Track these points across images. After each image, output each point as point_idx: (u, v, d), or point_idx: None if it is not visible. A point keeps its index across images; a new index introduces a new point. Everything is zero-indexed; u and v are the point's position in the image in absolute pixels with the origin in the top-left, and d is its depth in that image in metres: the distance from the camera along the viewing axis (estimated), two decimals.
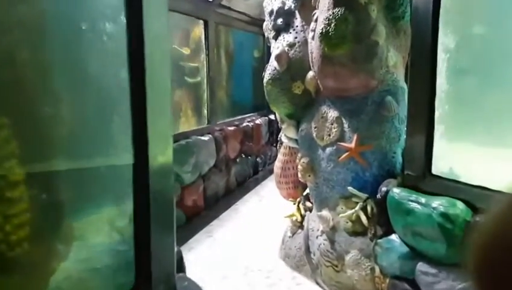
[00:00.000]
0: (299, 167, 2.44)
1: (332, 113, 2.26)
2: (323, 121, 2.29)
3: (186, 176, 3.46)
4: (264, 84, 2.55)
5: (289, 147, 2.73)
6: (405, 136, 2.05)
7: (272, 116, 5.89)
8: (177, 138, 3.48)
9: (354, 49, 2.04)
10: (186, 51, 3.99)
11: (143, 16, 0.89)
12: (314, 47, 2.22)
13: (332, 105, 2.28)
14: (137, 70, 0.90)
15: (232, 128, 4.58)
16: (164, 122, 0.97)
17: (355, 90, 2.19)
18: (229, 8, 4.52)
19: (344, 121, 2.23)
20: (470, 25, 1.91)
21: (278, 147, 2.92)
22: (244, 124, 4.97)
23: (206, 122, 4.21)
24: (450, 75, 1.83)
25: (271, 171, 5.47)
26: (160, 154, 0.97)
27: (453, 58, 1.82)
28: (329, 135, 2.26)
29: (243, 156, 4.88)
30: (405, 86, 2.22)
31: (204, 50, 4.17)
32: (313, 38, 2.27)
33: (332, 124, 2.25)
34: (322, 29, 2.06)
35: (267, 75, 2.53)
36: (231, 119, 4.80)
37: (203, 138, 3.83)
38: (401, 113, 2.15)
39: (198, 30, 4.13)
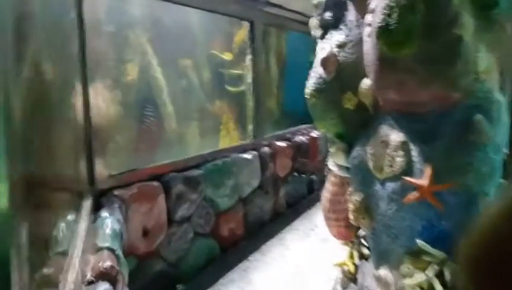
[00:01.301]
0: (350, 205, 1.89)
1: (395, 136, 1.69)
2: (383, 146, 1.72)
3: (221, 200, 3.03)
4: (307, 96, 2.04)
5: (340, 176, 2.19)
6: (504, 172, 1.44)
7: None
8: (212, 157, 3.07)
9: (425, 48, 1.47)
10: (227, 56, 3.59)
11: None
12: (370, 47, 1.67)
13: (395, 125, 1.71)
14: None
15: (282, 143, 4.09)
16: None
17: (428, 106, 1.60)
18: (280, 7, 4.04)
19: (412, 147, 1.64)
20: None
21: (325, 173, 2.38)
22: (298, 138, 4.45)
23: (251, 136, 3.77)
24: None
25: None
26: None
27: None
28: (392, 166, 1.69)
29: (296, 174, 4.36)
30: (503, 100, 1.59)
31: (250, 55, 3.73)
32: (369, 35, 1.73)
33: (395, 151, 1.67)
34: (381, 21, 1.51)
35: (310, 85, 2.01)
36: (282, 132, 4.31)
37: (245, 155, 3.38)
38: (498, 138, 1.53)
39: (243, 33, 3.71)
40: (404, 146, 1.67)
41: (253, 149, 3.65)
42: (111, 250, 1.63)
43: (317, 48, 2.12)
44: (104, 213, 1.80)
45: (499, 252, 0.28)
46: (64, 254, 1.27)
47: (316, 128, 5.04)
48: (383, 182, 1.73)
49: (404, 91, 1.59)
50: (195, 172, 2.78)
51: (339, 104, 1.93)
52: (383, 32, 1.52)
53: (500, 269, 0.28)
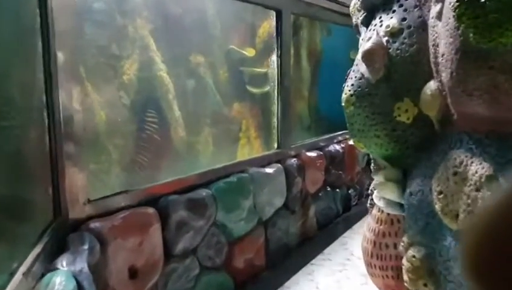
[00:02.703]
0: (405, 262, 1.34)
1: (478, 168, 1.12)
2: (458, 182, 1.16)
3: (236, 226, 2.53)
4: (343, 103, 1.50)
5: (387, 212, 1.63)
6: None
7: None
8: (226, 172, 2.58)
9: None
10: (249, 52, 3.09)
11: None
12: (442, 34, 1.12)
13: (478, 150, 1.14)
14: None
15: (313, 153, 3.54)
16: None
17: None
18: None
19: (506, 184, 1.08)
20: None
21: (368, 206, 1.84)
22: (332, 147, 3.89)
23: (276, 145, 3.25)
24: None
25: (367, 210, 4.29)
26: None
27: None
28: (472, 212, 1.13)
29: (329, 188, 3.80)
30: None
31: (276, 50, 3.21)
32: (438, 17, 1.18)
33: (477, 190, 1.11)
34: None
35: (348, 88, 1.48)
36: (314, 140, 3.76)
37: (267, 170, 2.87)
38: None
39: (269, 24, 3.19)
40: (491, 183, 1.10)
41: (278, 161, 3.13)
42: None
43: (360, 39, 1.58)
44: (60, 263, 1.33)
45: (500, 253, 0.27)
46: None
47: None
48: (457, 235, 1.17)
49: (498, 101, 1.03)
50: (203, 192, 2.29)
51: (389, 116, 1.38)
52: (469, 9, 0.97)
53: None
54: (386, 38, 1.38)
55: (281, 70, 3.22)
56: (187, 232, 2.15)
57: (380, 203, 1.58)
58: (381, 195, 1.54)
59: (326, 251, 3.20)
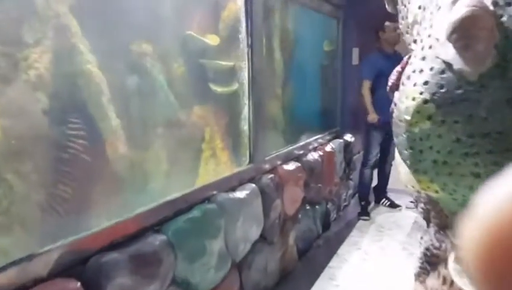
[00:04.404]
0: None
1: None
2: None
3: (203, 279, 1.84)
4: (406, 116, 0.86)
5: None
6: None
7: (347, 137, 4.19)
8: (188, 203, 1.89)
9: None
10: (212, 40, 2.39)
11: None
12: None
13: None
14: None
15: (291, 165, 2.92)
16: None
17: None
18: None
19: None
20: None
21: (417, 272, 1.22)
22: (310, 156, 3.29)
23: (248, 159, 2.59)
24: None
25: (349, 224, 3.86)
26: None
27: None
28: None
29: (308, 206, 3.20)
30: None
31: (246, 39, 2.55)
32: None
33: None
34: None
35: (414, 88, 0.84)
36: (289, 148, 3.14)
37: (239, 194, 2.20)
38: None
39: (235, 6, 2.52)
40: None
41: (251, 179, 2.48)
42: None
43: (426, 6, 0.94)
44: None
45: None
46: None
47: (330, 138, 3.89)
48: None
49: None
50: (155, 240, 1.59)
51: (506, 138, 0.76)
52: None
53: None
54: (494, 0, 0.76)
55: (253, 63, 2.56)
56: None
57: (459, 280, 0.96)
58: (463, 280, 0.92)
59: (314, 289, 2.59)
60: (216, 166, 2.47)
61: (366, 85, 3.86)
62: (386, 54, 3.91)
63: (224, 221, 2.00)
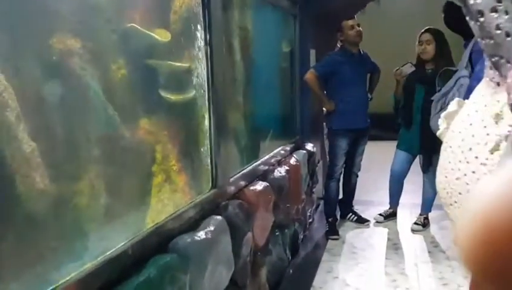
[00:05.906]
0: None
1: None
2: None
3: None
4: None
5: None
6: None
7: (309, 147, 3.82)
8: (137, 255, 1.37)
9: None
10: (162, 35, 1.88)
11: None
12: None
13: None
14: None
15: (258, 186, 2.47)
16: None
17: None
18: None
19: None
20: None
21: None
22: (277, 172, 2.86)
23: (210, 182, 2.11)
24: None
25: (318, 246, 3.47)
26: None
27: None
28: None
29: (277, 232, 2.77)
30: None
31: (204, 34, 2.08)
32: None
33: None
34: None
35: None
36: (254, 164, 2.69)
37: (204, 234, 1.71)
38: None
39: None
40: None
41: (216, 208, 2.00)
42: None
43: None
44: None
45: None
46: None
47: (291, 149, 3.49)
48: None
49: None
50: None
51: None
52: None
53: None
54: None
55: (212, 64, 2.09)
56: None
57: None
58: None
59: None
60: (171, 194, 1.95)
61: (312, 72, 3.59)
62: (350, 54, 3.62)
63: (189, 275, 1.50)
